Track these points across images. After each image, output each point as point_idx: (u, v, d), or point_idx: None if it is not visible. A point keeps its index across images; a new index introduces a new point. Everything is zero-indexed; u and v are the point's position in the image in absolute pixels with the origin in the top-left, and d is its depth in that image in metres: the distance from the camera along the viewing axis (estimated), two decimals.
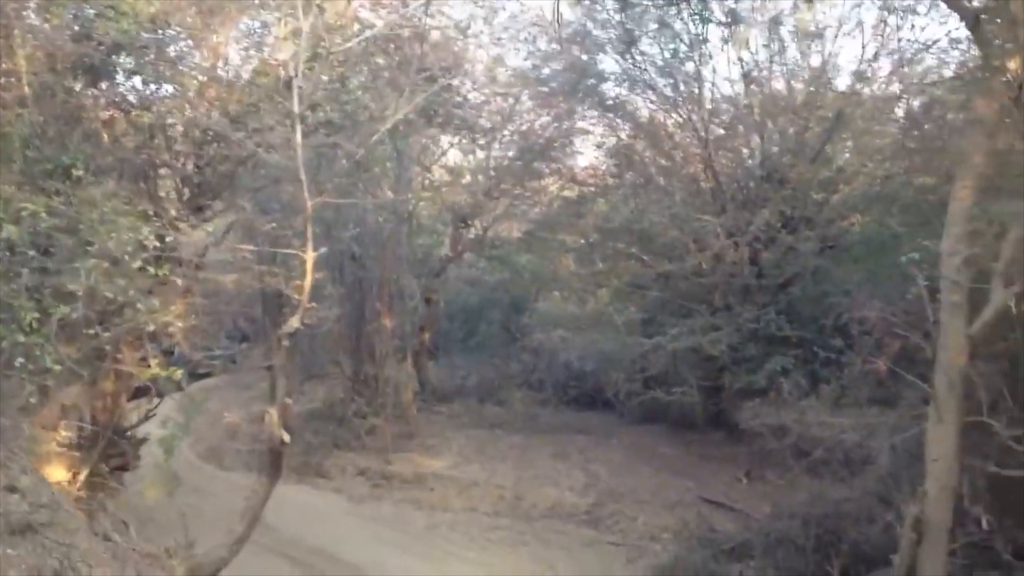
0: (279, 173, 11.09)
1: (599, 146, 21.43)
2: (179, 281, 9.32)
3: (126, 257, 7.72)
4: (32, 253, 6.82)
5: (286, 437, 9.31)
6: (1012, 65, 9.47)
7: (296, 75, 9.00)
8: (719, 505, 15.69)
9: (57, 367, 7.08)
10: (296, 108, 9.05)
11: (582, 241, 21.68)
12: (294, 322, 8.96)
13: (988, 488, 10.56)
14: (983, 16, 9.96)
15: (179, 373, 9.54)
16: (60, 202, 7.96)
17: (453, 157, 23.47)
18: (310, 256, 8.93)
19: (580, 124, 21.29)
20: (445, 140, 21.94)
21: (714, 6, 16.74)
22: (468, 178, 22.92)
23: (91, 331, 7.84)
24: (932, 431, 9.27)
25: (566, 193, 22.46)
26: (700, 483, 16.75)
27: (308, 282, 8.92)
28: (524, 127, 21.95)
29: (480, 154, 22.61)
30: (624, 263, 20.08)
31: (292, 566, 13.57)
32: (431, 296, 22.35)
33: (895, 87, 16.99)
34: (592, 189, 21.77)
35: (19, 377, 7.00)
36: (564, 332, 20.99)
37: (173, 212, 11.01)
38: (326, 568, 13.57)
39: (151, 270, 8.24)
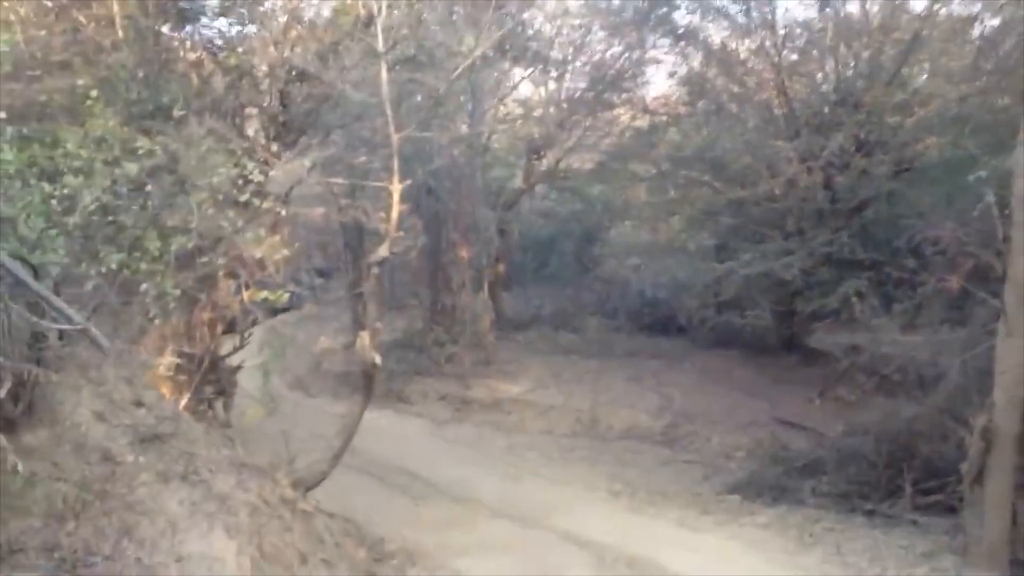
0: (361, 109, 11.59)
1: (671, 75, 21.44)
2: (278, 213, 9.89)
3: (233, 191, 8.31)
4: (149, 187, 7.42)
5: (378, 359, 9.94)
6: None
7: (380, 13, 9.40)
8: (792, 425, 16.04)
9: (176, 291, 7.74)
10: (381, 46, 9.47)
11: (654, 171, 21.80)
12: (383, 250, 9.52)
13: None
14: None
15: (286, 296, 10.16)
16: (162, 141, 8.56)
17: (525, 89, 23.73)
18: (396, 187, 9.44)
19: (651, 53, 21.42)
20: (517, 73, 22.29)
21: None
22: (540, 110, 23.14)
23: (203, 260, 8.48)
24: (1001, 344, 9.46)
25: (637, 123, 22.57)
26: (773, 404, 17.10)
27: (395, 212, 9.44)
28: (595, 58, 22.12)
29: (552, 86, 22.85)
30: (696, 191, 20.25)
31: (380, 484, 14.30)
32: (505, 228, 22.85)
33: (972, 7, 16.72)
34: (664, 118, 21.82)
35: (139, 303, 7.68)
36: (637, 260, 21.28)
37: (261, 149, 11.59)
38: (411, 485, 14.26)
39: (255, 202, 8.83)
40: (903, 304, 13.65)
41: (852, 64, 17.76)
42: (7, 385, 5.36)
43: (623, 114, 22.95)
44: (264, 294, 9.81)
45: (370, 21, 10.36)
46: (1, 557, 5.17)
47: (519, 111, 23.38)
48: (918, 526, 11.05)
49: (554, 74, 22.00)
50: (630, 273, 22.54)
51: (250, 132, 12.39)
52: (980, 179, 10.81)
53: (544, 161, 22.96)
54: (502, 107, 22.87)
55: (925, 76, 17.77)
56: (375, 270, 9.86)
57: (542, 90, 23.54)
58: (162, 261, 7.36)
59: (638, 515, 12.42)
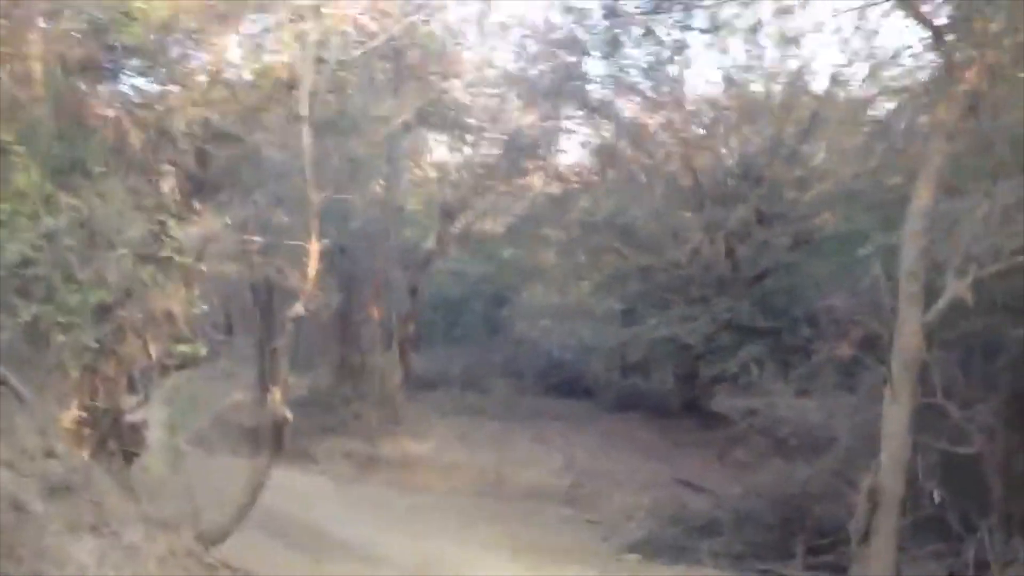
0: (280, 170, 11.79)
1: (583, 145, 22.27)
2: (197, 269, 9.93)
3: (153, 246, 8.38)
4: (68, 242, 7.45)
5: (288, 415, 10.01)
6: (970, 76, 10.32)
7: (304, 78, 9.68)
8: (691, 486, 16.49)
9: (95, 344, 7.74)
10: (304, 110, 9.74)
11: (564, 236, 22.42)
12: (299, 307, 9.67)
13: (940, 465, 11.48)
14: (945, 29, 10.82)
15: (203, 349, 10.14)
16: (82, 196, 8.60)
17: (440, 154, 24.19)
18: (315, 247, 9.64)
19: (565, 124, 22.24)
20: (433, 138, 22.80)
21: (697, 13, 17.57)
22: (455, 174, 23.60)
23: (122, 313, 8.50)
24: (888, 409, 10.11)
25: (550, 189, 23.22)
26: (674, 465, 17.56)
27: (313, 270, 9.63)
28: (510, 126, 22.76)
29: (467, 151, 23.37)
30: (605, 256, 20.92)
31: (282, 543, 14.13)
32: (416, 288, 23.05)
33: (868, 91, 17.89)
34: (575, 186, 22.54)
35: (54, 354, 7.64)
36: (545, 322, 21.70)
37: (178, 206, 11.63)
38: (314, 543, 14.12)
39: (174, 258, 8.90)
40: (798, 370, 14.38)
41: (755, 140, 18.79)
42: None
43: (536, 180, 23.54)
44: (182, 347, 9.79)
45: (293, 84, 10.63)
46: None
47: (434, 175, 23.79)
48: None
49: (470, 140, 22.53)
50: (538, 335, 22.91)
51: (166, 189, 12.43)
52: (869, 253, 11.62)
53: (457, 224, 23.35)
54: (417, 171, 23.25)
55: (822, 154, 18.91)
56: (290, 326, 9.99)
57: (457, 155, 24.02)
58: (79, 314, 7.37)
59: (539, 573, 12.62)
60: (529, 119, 22.68)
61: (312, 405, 20.53)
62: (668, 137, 20.06)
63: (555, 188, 23.15)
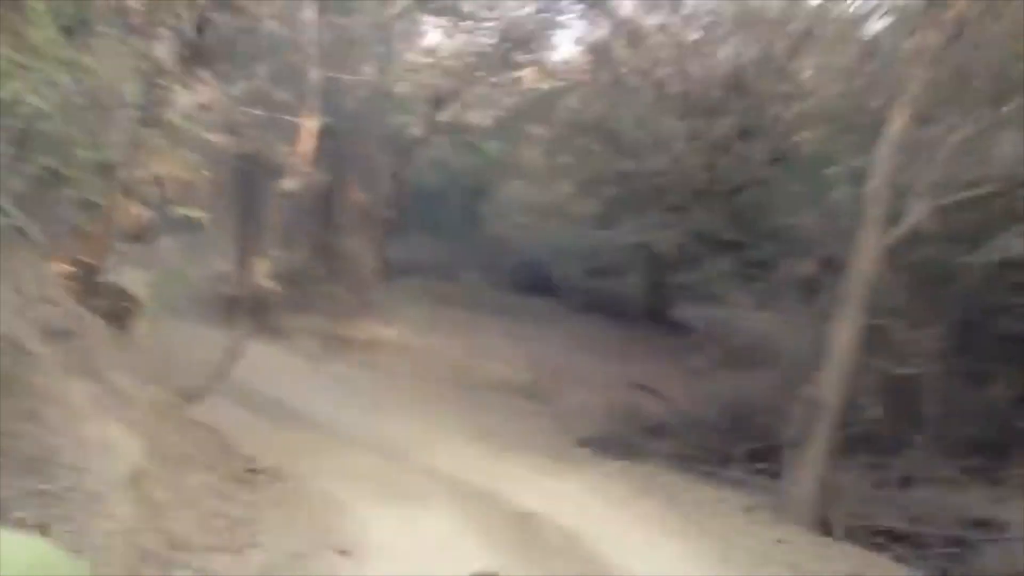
0: (280, 43, 12.01)
1: (577, 42, 22.36)
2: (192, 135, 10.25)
3: (157, 110, 8.74)
4: (78, 100, 7.76)
5: (274, 285, 10.55)
6: (960, 2, 10.68)
7: None
8: (647, 389, 17.25)
9: (100, 201, 8.18)
10: None
11: (549, 134, 22.70)
12: (290, 183, 10.10)
13: (881, 384, 12.28)
14: None
15: (202, 213, 10.51)
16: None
17: (433, 39, 24.17)
18: (312, 123, 10.02)
19: (561, 18, 22.36)
20: (428, 22, 22.80)
21: None
22: (447, 62, 23.65)
23: (123, 174, 8.88)
24: (837, 326, 10.78)
25: (540, 86, 23.39)
26: (633, 369, 18.21)
27: (308, 147, 10.03)
28: (507, 15, 22.79)
29: (461, 39, 23.38)
30: (588, 158, 21.24)
31: (250, 412, 14.78)
32: (399, 175, 23.37)
33: (861, 9, 18.04)
34: (565, 84, 22.72)
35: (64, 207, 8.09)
36: (522, 220, 22.11)
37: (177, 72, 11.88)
38: (280, 414, 14.77)
39: (175, 122, 9.23)
40: (761, 284, 15.03)
41: (745, 53, 19.01)
42: None
43: (526, 75, 23.67)
44: (183, 210, 10.19)
45: None
46: None
47: (426, 60, 23.80)
48: (746, 487, 12.37)
49: (464, 27, 22.57)
50: (513, 232, 23.36)
51: (163, 54, 12.61)
52: (837, 175, 12.14)
53: (444, 113, 23.51)
54: (410, 55, 23.28)
55: (810, 72, 19.15)
56: (279, 201, 10.43)
57: (449, 42, 24.02)
58: (86, 170, 7.75)
59: (495, 458, 13.36)
60: (526, 10, 22.88)
61: (286, 282, 21.07)
62: (662, 39, 20.25)
63: (545, 84, 23.41)
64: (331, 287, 20.16)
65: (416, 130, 23.82)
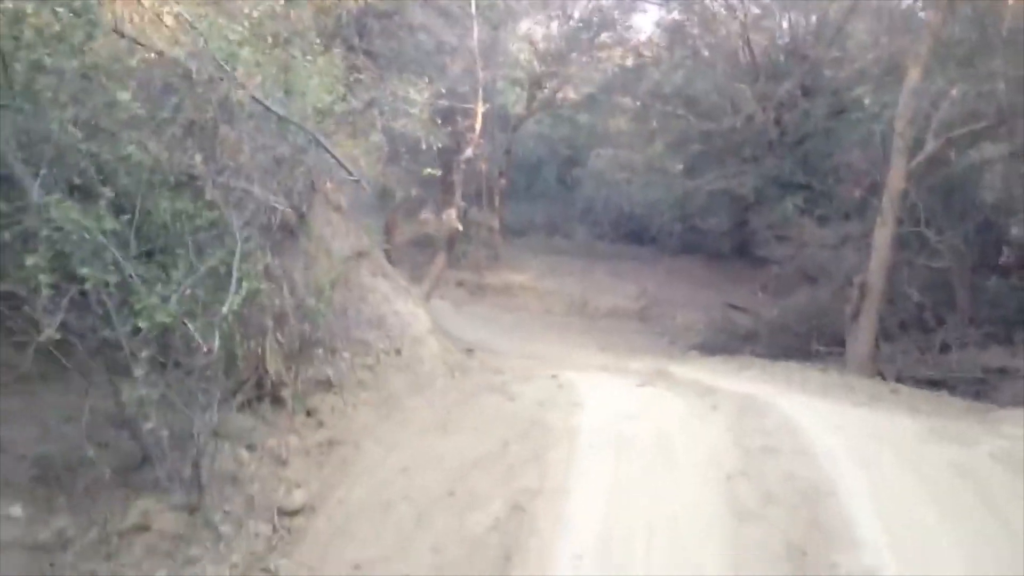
0: (437, 46, 16.54)
1: (656, 24, 26.63)
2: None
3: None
4: None
5: (460, 226, 15.17)
6: None
7: None
8: (738, 308, 21.51)
9: None
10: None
11: (636, 104, 27.00)
12: (469, 151, 14.70)
13: (920, 277, 16.42)
14: None
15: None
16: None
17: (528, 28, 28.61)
18: (480, 109, 14.59)
19: (640, 3, 26.72)
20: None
21: None
22: (542, 46, 28.06)
23: None
24: (877, 232, 14.99)
25: (624, 62, 27.66)
26: (725, 294, 22.51)
27: (479, 126, 14.61)
28: (591, 4, 27.19)
29: (554, 26, 27.82)
30: (672, 122, 25.48)
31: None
32: (510, 148, 27.90)
33: None
34: (648, 59, 26.97)
35: None
36: (619, 176, 26.38)
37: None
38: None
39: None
40: (823, 211, 19.18)
41: (801, 23, 23.10)
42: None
43: (613, 54, 27.95)
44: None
45: None
46: None
47: (524, 46, 28.24)
48: (821, 362, 16.61)
49: (557, 14, 27.04)
50: (612, 190, 27.71)
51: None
52: (876, 120, 16.28)
53: (543, 91, 27.95)
54: (511, 44, 27.71)
55: (859, 36, 23.09)
56: (463, 165, 15.05)
57: (543, 29, 28.44)
58: None
59: (625, 359, 17.82)
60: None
61: (429, 244, 25.85)
62: (729, 17, 24.38)
63: (629, 61, 27.66)
64: (466, 245, 24.78)
65: (520, 108, 28.34)
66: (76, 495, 7.08)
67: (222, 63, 8.00)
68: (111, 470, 7.15)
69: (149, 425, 7.06)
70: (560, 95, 28.15)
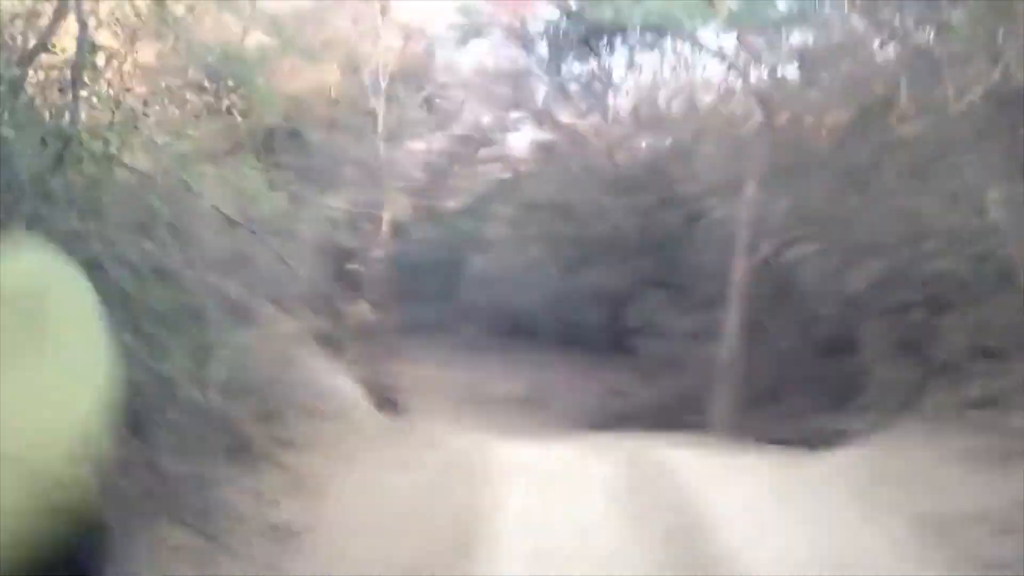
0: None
1: (531, 142, 30.40)
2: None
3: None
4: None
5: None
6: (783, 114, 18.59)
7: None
8: (618, 392, 24.75)
9: None
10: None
11: (514, 213, 30.45)
12: (379, 251, 17.47)
13: (768, 359, 19.85)
14: None
15: None
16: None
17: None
18: (385, 214, 17.44)
19: (516, 123, 30.42)
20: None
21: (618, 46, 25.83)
22: (427, 160, 31.30)
23: None
24: (728, 320, 18.38)
25: (503, 175, 31.26)
26: (603, 382, 25.78)
27: (385, 227, 17.43)
28: (472, 124, 30.74)
29: (438, 142, 31.19)
30: (547, 228, 28.96)
31: None
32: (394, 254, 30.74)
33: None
34: (523, 173, 30.61)
35: None
36: (499, 280, 29.60)
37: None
38: None
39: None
40: (684, 304, 22.64)
41: (657, 145, 27.13)
42: None
43: (491, 167, 31.54)
44: None
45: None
46: None
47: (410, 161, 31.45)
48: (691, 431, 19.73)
49: (440, 134, 30.45)
50: (493, 290, 30.80)
51: None
52: (724, 225, 19.89)
53: (426, 201, 31.09)
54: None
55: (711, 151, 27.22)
56: (373, 264, 17.82)
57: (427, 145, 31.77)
58: None
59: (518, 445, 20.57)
60: (486, 119, 30.81)
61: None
62: (595, 138, 28.28)
63: (507, 174, 31.31)
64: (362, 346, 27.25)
65: (404, 216, 31.36)
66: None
67: (186, 179, 10.71)
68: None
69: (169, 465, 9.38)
70: (441, 204, 31.37)
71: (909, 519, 9.53)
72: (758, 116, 20.04)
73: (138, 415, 8.92)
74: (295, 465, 11.40)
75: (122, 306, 8.85)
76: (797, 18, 18.95)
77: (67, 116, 9.25)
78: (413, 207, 31.03)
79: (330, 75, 19.90)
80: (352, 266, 16.75)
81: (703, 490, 10.85)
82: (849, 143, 16.75)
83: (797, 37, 19.60)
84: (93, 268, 8.99)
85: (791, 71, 19.54)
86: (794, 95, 18.81)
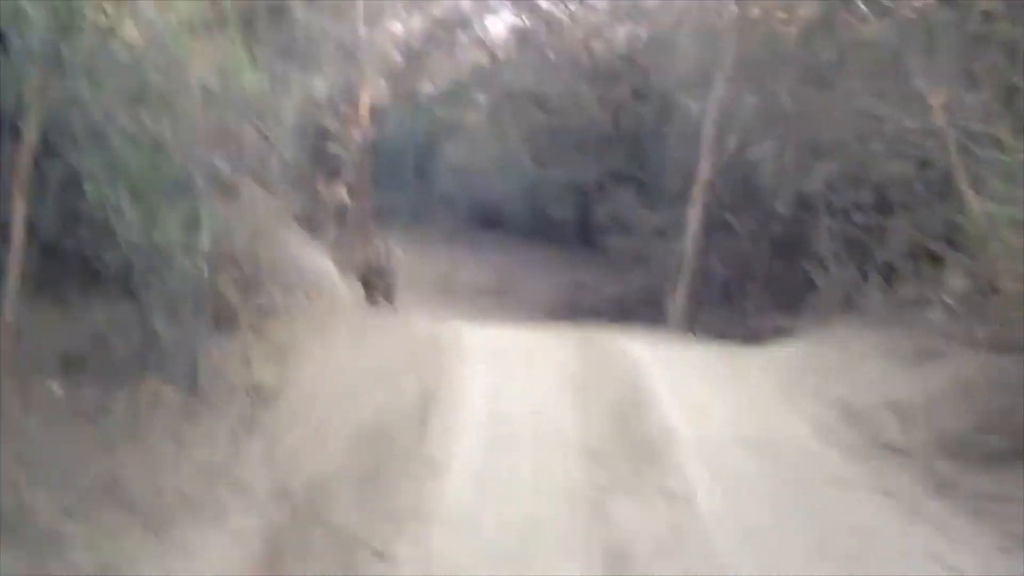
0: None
1: (509, 28, 30.58)
2: None
3: None
4: None
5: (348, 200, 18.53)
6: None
7: None
8: (583, 285, 25.68)
9: None
10: None
11: (491, 100, 30.85)
12: (358, 133, 18.05)
13: (727, 256, 20.78)
14: None
15: None
16: None
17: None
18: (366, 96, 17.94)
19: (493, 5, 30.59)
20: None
21: None
22: (405, 42, 31.42)
23: None
24: (690, 216, 19.21)
25: (481, 61, 31.51)
26: (571, 275, 26.61)
27: (365, 110, 17.96)
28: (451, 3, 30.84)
29: (416, 24, 31.27)
30: (523, 118, 29.42)
31: None
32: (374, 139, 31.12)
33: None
34: (500, 59, 30.88)
35: None
36: (476, 167, 30.22)
37: None
38: None
39: None
40: (653, 199, 23.41)
41: (637, 34, 27.44)
42: None
43: (469, 53, 31.76)
44: None
45: None
46: None
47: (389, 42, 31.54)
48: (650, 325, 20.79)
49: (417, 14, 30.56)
50: (468, 179, 31.45)
51: None
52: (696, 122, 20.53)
53: (404, 85, 31.34)
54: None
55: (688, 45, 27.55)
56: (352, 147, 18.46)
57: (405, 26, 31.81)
58: None
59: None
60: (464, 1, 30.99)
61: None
62: (572, 25, 28.58)
63: (485, 61, 31.58)
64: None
65: (382, 98, 31.61)
66: (101, 376, 9.82)
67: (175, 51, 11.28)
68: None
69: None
70: (419, 88, 31.70)
71: (828, 405, 10.64)
72: (732, 7, 20.38)
73: (133, 279, 9.74)
74: (275, 333, 12.21)
75: (125, 175, 9.61)
76: None
77: None
78: (392, 90, 31.50)
79: None
80: (331, 148, 17.13)
81: (647, 375, 11.85)
82: (815, 40, 17.22)
83: None
84: (97, 137, 9.70)
85: None
86: None
